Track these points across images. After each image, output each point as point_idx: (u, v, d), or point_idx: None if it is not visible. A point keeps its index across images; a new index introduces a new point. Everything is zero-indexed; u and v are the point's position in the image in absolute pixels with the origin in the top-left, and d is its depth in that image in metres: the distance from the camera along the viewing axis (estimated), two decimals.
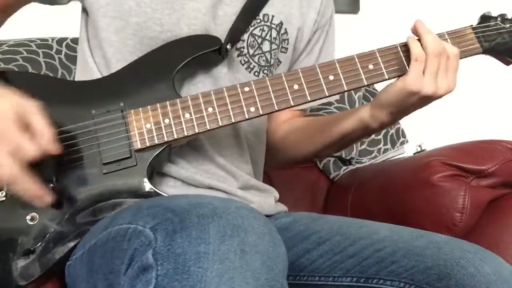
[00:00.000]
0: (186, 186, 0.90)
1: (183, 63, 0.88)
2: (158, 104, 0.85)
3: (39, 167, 0.74)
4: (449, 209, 1.05)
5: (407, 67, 0.88)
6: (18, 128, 0.71)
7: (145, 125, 0.84)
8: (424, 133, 1.50)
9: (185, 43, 0.89)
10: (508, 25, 0.91)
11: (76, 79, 1.02)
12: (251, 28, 0.94)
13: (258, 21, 0.95)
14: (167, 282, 0.57)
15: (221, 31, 0.92)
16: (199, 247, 0.58)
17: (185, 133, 0.84)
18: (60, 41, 1.39)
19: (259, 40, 0.96)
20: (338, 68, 0.87)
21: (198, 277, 0.57)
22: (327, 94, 0.87)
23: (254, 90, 0.86)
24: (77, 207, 0.82)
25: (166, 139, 0.84)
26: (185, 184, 0.90)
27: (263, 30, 0.96)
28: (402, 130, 1.54)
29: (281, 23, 0.98)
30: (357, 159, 1.47)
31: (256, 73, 0.96)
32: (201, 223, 0.60)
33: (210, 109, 0.85)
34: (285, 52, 1.00)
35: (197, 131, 0.84)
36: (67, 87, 0.93)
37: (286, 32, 0.99)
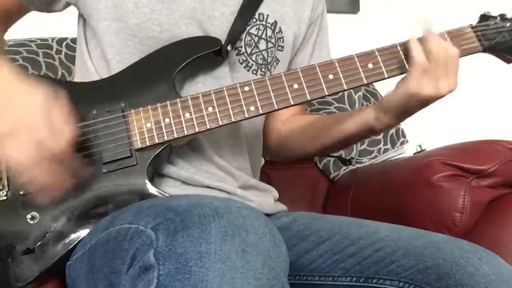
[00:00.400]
0: (186, 186, 0.90)
1: (184, 64, 0.88)
2: (158, 104, 0.85)
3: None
4: (449, 209, 1.05)
5: (406, 66, 0.88)
6: (47, 123, 0.73)
7: (146, 125, 0.85)
8: (424, 133, 1.50)
9: (186, 45, 0.90)
10: (508, 24, 0.92)
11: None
12: (248, 28, 0.95)
13: (254, 20, 0.96)
14: (169, 281, 0.57)
15: (219, 31, 0.92)
16: (201, 247, 0.58)
17: (185, 132, 0.84)
18: (60, 41, 1.39)
19: (256, 39, 0.96)
20: (338, 67, 0.88)
21: (200, 277, 0.57)
22: (326, 93, 0.87)
23: (254, 90, 0.86)
24: (78, 207, 0.82)
25: (166, 138, 0.84)
26: (185, 184, 0.90)
27: (259, 29, 0.96)
28: (402, 130, 1.54)
29: (276, 22, 0.98)
30: (357, 159, 1.47)
31: (254, 71, 0.96)
32: (202, 223, 0.60)
33: (210, 109, 0.85)
34: (281, 51, 1.00)
35: (197, 130, 0.84)
36: (67, 88, 0.93)
37: (280, 31, 0.99)
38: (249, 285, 0.57)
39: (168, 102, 0.85)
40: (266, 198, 1.00)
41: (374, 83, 0.95)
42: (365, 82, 0.88)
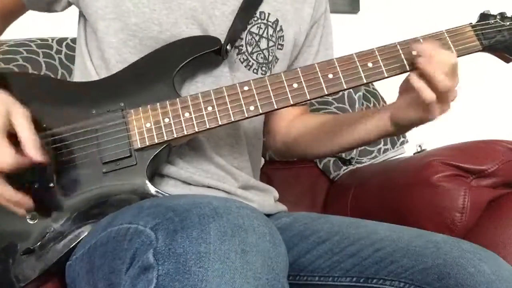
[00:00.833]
0: (186, 186, 0.90)
1: (183, 64, 0.88)
2: (158, 104, 0.85)
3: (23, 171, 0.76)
4: (449, 209, 1.05)
5: (406, 66, 0.88)
6: (3, 136, 0.74)
7: (145, 125, 0.84)
8: (424, 133, 1.50)
9: (185, 44, 0.90)
10: (507, 23, 0.91)
11: None
12: (248, 26, 0.95)
13: (255, 19, 0.96)
14: (168, 282, 0.57)
15: (219, 31, 0.92)
16: (200, 247, 0.58)
17: (185, 132, 0.84)
18: (60, 41, 1.39)
19: (257, 38, 0.96)
20: (337, 67, 0.87)
21: (199, 277, 0.57)
22: (326, 93, 0.87)
23: (254, 89, 0.86)
24: (77, 207, 0.82)
25: (165, 138, 0.84)
26: (184, 184, 0.90)
27: (260, 28, 0.96)
28: None
29: (277, 20, 0.98)
30: (357, 159, 1.47)
31: (255, 70, 0.96)
32: (201, 223, 0.60)
33: (209, 108, 0.85)
34: (281, 49, 1.00)
35: (196, 130, 0.84)
36: (67, 88, 0.93)
37: (281, 30, 0.99)
38: (249, 285, 0.57)
39: (167, 101, 0.85)
40: (266, 198, 1.00)
41: (374, 83, 0.95)
42: (365, 81, 0.88)
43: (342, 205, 1.29)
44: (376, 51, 0.88)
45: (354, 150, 1.45)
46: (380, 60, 0.88)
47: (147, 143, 0.84)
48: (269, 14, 0.97)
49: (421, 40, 0.89)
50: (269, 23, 0.97)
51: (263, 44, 0.97)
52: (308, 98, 0.87)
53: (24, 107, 0.78)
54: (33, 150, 0.75)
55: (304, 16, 1.03)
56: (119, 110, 0.85)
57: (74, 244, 0.81)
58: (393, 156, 1.50)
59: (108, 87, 0.89)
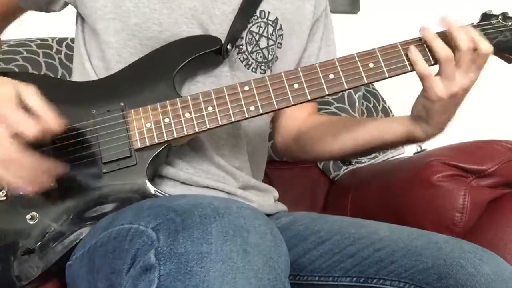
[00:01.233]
0: (185, 187, 0.90)
1: (183, 63, 0.88)
2: (158, 104, 0.85)
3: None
4: (449, 209, 1.05)
5: (407, 66, 0.88)
6: (19, 109, 0.72)
7: (145, 125, 0.84)
8: None
9: (186, 44, 0.90)
10: (509, 23, 0.91)
11: None
12: (249, 25, 0.95)
13: (256, 17, 0.96)
14: (170, 282, 0.57)
15: (221, 30, 0.92)
16: (202, 247, 0.58)
17: (185, 132, 0.84)
18: (60, 41, 1.39)
19: (257, 37, 0.96)
20: (338, 67, 0.87)
21: (201, 277, 0.57)
22: (327, 93, 0.87)
23: (254, 89, 0.86)
24: (77, 207, 0.82)
25: (166, 138, 0.84)
26: (184, 184, 0.90)
27: (260, 27, 0.96)
28: None
29: (277, 19, 0.98)
30: (357, 159, 1.47)
31: (254, 69, 0.96)
32: (203, 223, 0.60)
33: (210, 108, 0.85)
34: (280, 48, 1.00)
35: (197, 130, 0.84)
36: (67, 87, 0.93)
37: (281, 28, 0.99)
38: (251, 285, 0.57)
39: (167, 101, 0.85)
40: (266, 198, 1.00)
41: (374, 83, 0.95)
42: (366, 81, 0.88)
43: (342, 205, 1.29)
44: (377, 51, 0.88)
45: None
46: (381, 60, 0.88)
47: (147, 143, 0.84)
48: (269, 12, 0.97)
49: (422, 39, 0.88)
50: (269, 22, 0.97)
51: (263, 43, 0.97)
52: (309, 98, 0.87)
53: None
54: (51, 118, 0.74)
55: (305, 13, 1.03)
56: (119, 110, 0.85)
57: (74, 244, 0.81)
58: (393, 156, 1.50)
59: (108, 87, 0.89)
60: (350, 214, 1.25)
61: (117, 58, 0.91)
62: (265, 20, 0.97)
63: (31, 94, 0.74)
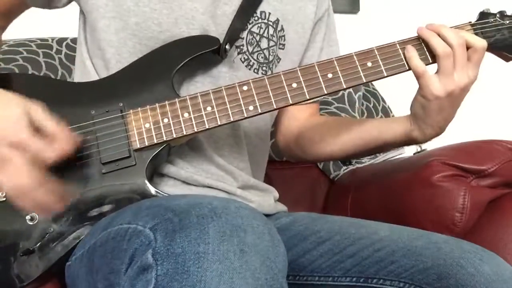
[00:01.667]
0: (185, 186, 0.90)
1: (182, 64, 0.88)
2: (157, 104, 0.85)
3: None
4: (449, 209, 1.05)
5: (405, 65, 0.88)
6: (34, 134, 0.71)
7: (144, 125, 0.84)
8: None
9: (184, 44, 0.89)
10: (507, 22, 0.91)
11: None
12: (249, 26, 0.95)
13: (256, 18, 0.96)
14: (167, 282, 0.57)
15: (221, 31, 0.92)
16: (199, 247, 0.58)
17: (184, 132, 0.84)
18: (60, 41, 1.39)
19: (258, 38, 0.96)
20: (337, 66, 0.87)
21: (198, 277, 0.57)
22: (325, 92, 0.87)
23: (253, 89, 0.86)
24: (77, 207, 0.82)
25: (165, 139, 0.84)
26: (184, 184, 0.90)
27: (260, 27, 0.96)
28: None
29: (277, 20, 0.98)
30: (357, 159, 1.47)
31: (256, 70, 0.96)
32: (200, 223, 0.60)
33: (208, 108, 0.85)
34: (283, 49, 1.00)
35: (196, 130, 0.84)
36: (66, 88, 0.93)
37: (282, 29, 0.99)
38: (248, 285, 0.57)
39: (166, 102, 0.85)
40: (266, 198, 1.00)
41: (373, 82, 0.95)
42: (364, 80, 0.88)
43: (342, 205, 1.29)
44: (376, 50, 0.88)
45: None
46: (379, 60, 0.88)
47: (146, 144, 0.84)
48: (269, 13, 0.97)
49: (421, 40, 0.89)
50: (270, 23, 0.97)
51: (264, 43, 0.97)
52: (308, 97, 0.87)
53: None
54: (67, 138, 0.74)
55: (307, 14, 1.03)
56: (118, 111, 0.85)
57: (74, 244, 0.81)
58: (393, 156, 1.50)
59: (107, 88, 0.89)
60: (350, 214, 1.25)
61: (117, 58, 0.91)
62: (265, 21, 0.97)
63: (41, 114, 0.73)
